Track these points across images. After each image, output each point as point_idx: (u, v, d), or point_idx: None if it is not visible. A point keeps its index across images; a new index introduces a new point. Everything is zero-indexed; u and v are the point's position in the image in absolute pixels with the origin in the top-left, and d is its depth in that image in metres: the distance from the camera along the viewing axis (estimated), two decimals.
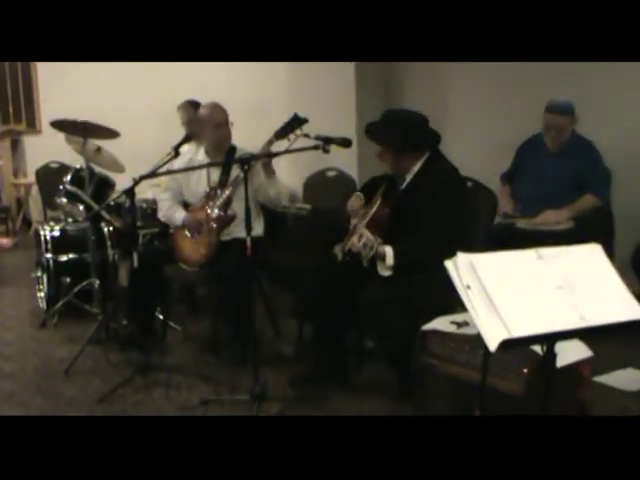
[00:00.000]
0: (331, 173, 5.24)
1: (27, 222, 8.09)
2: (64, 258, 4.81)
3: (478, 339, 1.89)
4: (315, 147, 3.31)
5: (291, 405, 3.35)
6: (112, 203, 4.61)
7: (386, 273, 3.19)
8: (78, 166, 4.72)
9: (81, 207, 4.57)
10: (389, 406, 3.27)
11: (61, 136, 4.63)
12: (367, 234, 3.13)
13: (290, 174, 5.28)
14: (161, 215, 4.28)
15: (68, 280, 4.68)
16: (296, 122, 3.70)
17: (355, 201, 3.52)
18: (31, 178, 7.54)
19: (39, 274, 4.98)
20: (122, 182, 4.36)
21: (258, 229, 4.04)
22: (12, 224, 7.88)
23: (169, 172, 3.93)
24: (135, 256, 3.64)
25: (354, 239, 3.20)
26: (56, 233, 4.89)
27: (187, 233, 4.05)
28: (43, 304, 4.85)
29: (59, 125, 4.49)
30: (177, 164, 4.06)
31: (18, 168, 8.32)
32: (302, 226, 4.66)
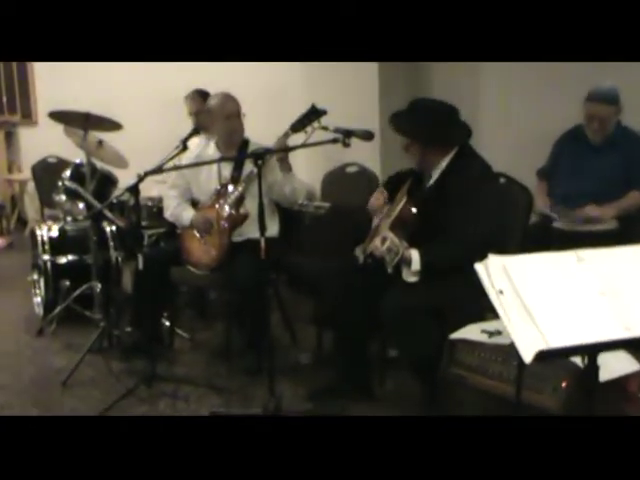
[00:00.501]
0: (352, 169, 5.24)
1: (22, 221, 8.13)
2: (63, 260, 4.85)
3: (511, 349, 1.89)
4: (334, 140, 3.32)
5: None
6: (115, 201, 4.67)
7: (411, 279, 3.19)
8: (78, 161, 4.77)
9: (81, 205, 4.63)
10: None
11: (59, 128, 4.65)
12: (391, 237, 3.10)
13: (307, 170, 5.30)
14: (168, 214, 4.30)
15: (67, 284, 4.73)
16: (314, 114, 3.73)
17: (378, 199, 3.53)
18: (27, 174, 7.55)
19: (35, 277, 5.03)
20: (126, 178, 4.39)
21: (273, 229, 4.06)
22: (6, 223, 7.94)
23: (176, 167, 3.96)
24: (140, 258, 3.68)
25: (377, 242, 3.18)
26: (54, 233, 4.93)
27: (196, 233, 4.08)
28: (40, 310, 4.90)
29: (58, 116, 4.52)
30: (185, 159, 4.09)
31: (12, 163, 8.39)
32: (320, 226, 4.67)
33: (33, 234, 5.01)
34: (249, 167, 3.91)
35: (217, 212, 4.01)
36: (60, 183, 4.73)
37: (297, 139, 3.85)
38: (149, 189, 4.88)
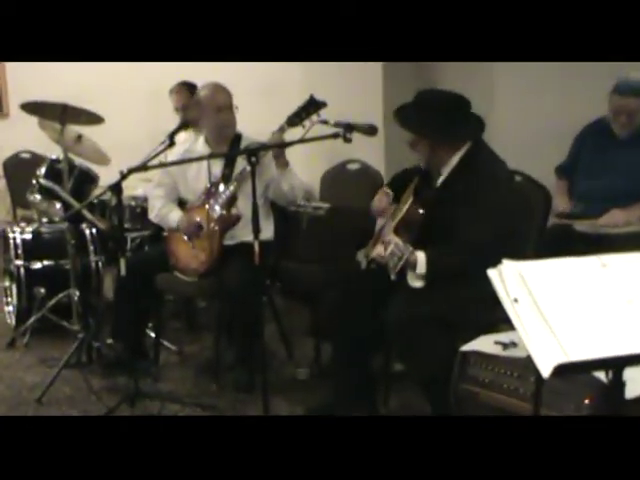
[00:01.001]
0: (353, 166, 5.25)
1: None
2: (38, 265, 4.86)
3: (528, 363, 1.89)
4: (335, 135, 3.33)
5: None
6: (95, 201, 4.66)
7: (417, 284, 3.18)
8: (54, 157, 4.78)
9: (58, 205, 4.62)
10: None
11: (33, 121, 4.66)
12: (396, 241, 3.09)
13: (305, 167, 5.29)
14: (153, 215, 4.31)
15: (42, 291, 4.73)
16: (312, 106, 3.73)
17: (382, 199, 3.53)
18: None
19: (7, 284, 5.04)
20: (107, 176, 4.40)
21: (268, 232, 4.07)
22: None
23: (163, 165, 3.97)
24: (122, 263, 3.67)
25: (380, 249, 3.18)
26: (28, 236, 4.94)
27: (184, 236, 4.08)
28: (12, 320, 4.91)
29: (32, 108, 4.53)
30: (172, 155, 4.10)
31: None
32: (319, 228, 4.67)
33: (4, 237, 5.01)
34: (242, 164, 3.90)
35: (207, 213, 4.01)
36: (34, 181, 4.73)
37: (294, 134, 3.85)
38: (132, 188, 4.87)
